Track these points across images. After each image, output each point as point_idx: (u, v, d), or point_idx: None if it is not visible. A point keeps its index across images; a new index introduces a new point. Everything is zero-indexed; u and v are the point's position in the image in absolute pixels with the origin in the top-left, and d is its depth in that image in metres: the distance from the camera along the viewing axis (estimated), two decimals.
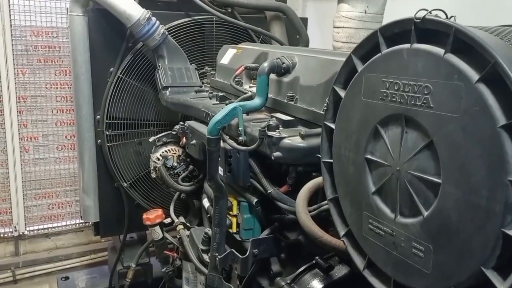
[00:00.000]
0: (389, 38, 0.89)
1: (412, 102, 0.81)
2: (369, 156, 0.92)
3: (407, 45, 0.83)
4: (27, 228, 3.87)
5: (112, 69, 2.66)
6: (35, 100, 3.73)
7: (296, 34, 2.92)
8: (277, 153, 1.51)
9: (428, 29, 0.81)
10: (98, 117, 2.70)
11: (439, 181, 0.77)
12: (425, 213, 0.80)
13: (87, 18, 2.61)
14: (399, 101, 0.84)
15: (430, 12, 0.81)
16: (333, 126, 1.04)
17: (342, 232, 1.03)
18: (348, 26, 2.34)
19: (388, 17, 2.39)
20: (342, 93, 1.00)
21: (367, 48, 0.94)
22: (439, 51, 0.77)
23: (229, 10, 2.87)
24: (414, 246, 0.82)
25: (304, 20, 3.04)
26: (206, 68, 2.59)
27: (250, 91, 1.99)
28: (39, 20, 3.61)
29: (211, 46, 2.80)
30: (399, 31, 0.87)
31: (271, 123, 1.55)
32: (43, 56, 3.68)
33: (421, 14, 0.81)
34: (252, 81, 2.07)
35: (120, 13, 2.41)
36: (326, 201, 1.45)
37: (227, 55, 2.35)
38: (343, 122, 0.99)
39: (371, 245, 0.92)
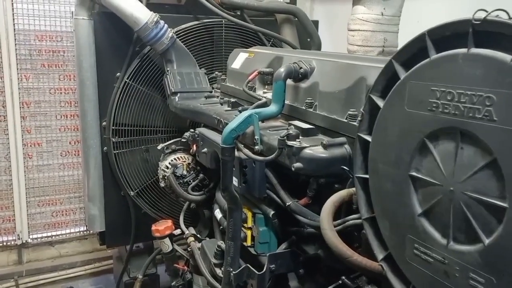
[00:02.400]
0: (437, 42, 0.80)
1: (470, 115, 0.72)
2: (414, 173, 0.83)
3: (463, 50, 0.74)
4: (31, 236, 3.78)
5: (118, 74, 2.57)
6: (39, 105, 3.65)
7: (307, 37, 2.83)
8: (298, 164, 1.42)
9: (487, 32, 0.72)
10: (104, 123, 2.61)
11: (505, 205, 0.68)
12: (486, 241, 0.71)
13: (93, 22, 2.53)
14: (453, 112, 0.75)
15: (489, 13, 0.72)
16: (368, 138, 0.95)
17: (380, 255, 0.93)
18: (364, 29, 2.25)
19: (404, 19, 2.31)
20: (380, 103, 0.91)
21: (410, 53, 0.85)
22: (504, 56, 0.68)
23: (238, 13, 2.79)
24: (472, 277, 0.73)
25: (315, 23, 2.95)
26: (216, 72, 2.50)
27: (264, 97, 1.90)
28: (43, 24, 3.53)
29: (220, 50, 2.71)
30: (450, 34, 0.77)
31: (290, 132, 1.46)
32: (47, 60, 3.60)
33: (480, 15, 0.72)
34: (266, 87, 1.98)
35: (127, 16, 2.32)
36: (352, 216, 1.37)
37: (239, 59, 2.26)
38: (381, 134, 0.90)
39: (417, 273, 0.83)
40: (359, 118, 0.98)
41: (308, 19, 2.69)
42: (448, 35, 0.77)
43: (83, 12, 2.53)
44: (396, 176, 0.86)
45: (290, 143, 1.44)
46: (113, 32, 2.54)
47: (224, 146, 1.61)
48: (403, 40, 2.31)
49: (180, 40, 2.51)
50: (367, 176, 0.96)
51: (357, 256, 1.17)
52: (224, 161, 1.63)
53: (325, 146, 1.42)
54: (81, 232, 4.00)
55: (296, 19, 2.75)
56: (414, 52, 0.84)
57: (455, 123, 0.75)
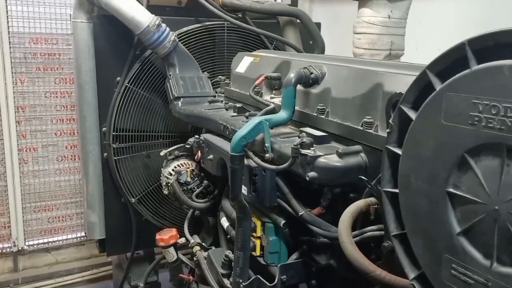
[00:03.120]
0: (478, 52, 0.76)
1: None
2: (452, 190, 0.79)
3: (509, 61, 0.69)
4: (27, 243, 3.71)
5: (119, 78, 2.51)
6: (34, 109, 3.58)
7: (310, 40, 2.79)
8: (313, 174, 1.37)
9: None
10: (104, 129, 2.55)
11: None
12: None
13: (92, 25, 2.47)
14: (497, 127, 0.70)
15: None
16: (397, 151, 0.90)
17: (411, 274, 0.89)
18: (370, 32, 2.21)
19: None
20: (412, 114, 0.86)
21: (447, 63, 0.80)
22: None
23: (240, 15, 2.74)
24: None
25: (317, 25, 2.91)
26: (220, 77, 2.45)
27: (272, 103, 1.86)
28: (38, 26, 3.47)
29: (222, 53, 2.66)
30: (493, 44, 0.73)
31: (304, 140, 1.41)
32: (42, 63, 3.54)
33: None
34: (274, 92, 1.93)
35: (128, 19, 2.27)
36: (370, 228, 1.33)
37: (243, 63, 2.21)
38: (413, 147, 0.86)
39: None
40: (387, 130, 0.94)
41: (311, 22, 2.65)
42: (490, 45, 0.73)
43: (81, 15, 2.47)
44: (431, 192, 0.82)
45: (304, 151, 1.39)
46: (113, 35, 2.48)
47: (234, 154, 1.56)
48: (406, 42, 2.29)
49: (181, 43, 2.46)
50: (396, 190, 0.92)
51: (380, 271, 1.13)
52: (233, 169, 1.58)
53: (341, 155, 1.38)
54: (78, 238, 3.93)
55: (299, 21, 2.70)
56: (451, 62, 0.80)
57: (500, 139, 0.70)
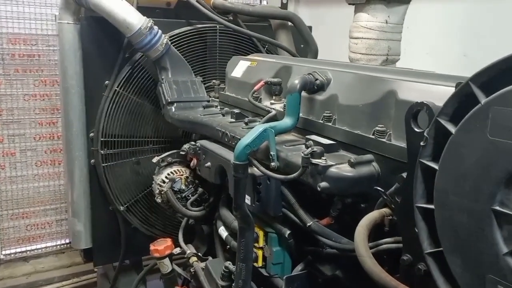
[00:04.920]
0: None
1: None
2: (498, 208, 0.75)
3: None
4: (3, 252, 3.55)
5: (107, 82, 2.42)
6: (12, 113, 3.43)
7: (302, 43, 2.76)
8: (324, 184, 1.33)
9: None
10: (91, 134, 2.45)
11: None
12: None
13: (79, 27, 2.37)
14: None
15: None
16: (433, 165, 0.87)
17: None
18: (367, 37, 2.19)
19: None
20: (451, 128, 0.83)
21: (492, 75, 0.77)
22: None
23: (230, 18, 2.68)
24: None
25: (309, 29, 2.87)
26: (214, 81, 2.39)
27: (273, 109, 1.81)
28: (17, 26, 3.32)
29: (214, 56, 2.60)
30: None
31: (315, 149, 1.36)
32: (21, 65, 3.39)
33: None
34: (274, 98, 1.88)
35: (119, 21, 2.18)
36: (386, 240, 1.29)
37: (239, 68, 2.16)
38: (453, 162, 0.82)
39: None
40: (422, 143, 0.90)
41: (304, 25, 2.62)
42: None
43: (67, 16, 2.37)
44: (474, 209, 0.78)
45: (315, 161, 1.35)
46: (101, 37, 2.39)
47: (237, 162, 1.51)
48: None
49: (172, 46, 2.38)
50: (431, 206, 0.88)
51: (402, 287, 1.09)
52: (237, 178, 1.53)
53: (353, 164, 1.34)
54: (58, 246, 3.79)
55: (292, 24, 2.67)
56: (497, 74, 0.76)
57: None
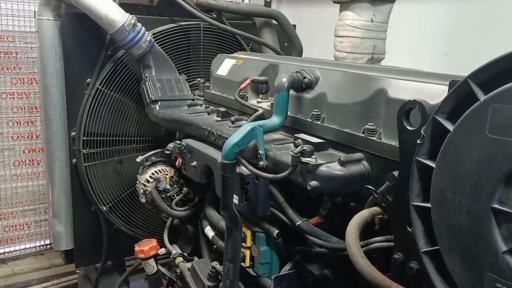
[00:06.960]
0: None
1: None
2: (497, 206, 0.75)
3: None
4: None
5: (89, 80, 2.37)
6: None
7: (286, 41, 2.75)
8: (314, 183, 1.32)
9: None
10: (73, 133, 2.40)
11: None
12: None
13: (60, 23, 2.31)
14: None
15: None
16: (430, 163, 0.86)
17: None
18: (353, 36, 2.19)
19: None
20: (449, 126, 0.82)
21: (491, 73, 0.77)
22: None
23: (214, 16, 2.65)
24: None
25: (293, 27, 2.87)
26: (199, 79, 2.36)
27: (260, 107, 1.80)
28: None
29: (198, 54, 2.57)
30: None
31: (305, 148, 1.35)
32: None
33: None
34: (261, 96, 1.87)
35: (101, 18, 2.13)
36: (377, 239, 1.29)
37: (225, 66, 2.14)
38: (451, 160, 0.82)
39: None
40: (418, 141, 0.89)
41: (289, 24, 2.61)
42: None
43: (47, 13, 2.31)
44: (472, 208, 0.78)
45: (305, 160, 1.34)
46: (83, 34, 2.34)
47: (225, 161, 1.49)
48: None
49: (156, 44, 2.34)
50: (427, 205, 0.88)
51: (396, 286, 1.09)
52: (225, 178, 1.51)
53: (343, 163, 1.34)
54: (37, 248, 3.72)
55: (276, 23, 2.65)
56: (496, 72, 0.76)
57: None
